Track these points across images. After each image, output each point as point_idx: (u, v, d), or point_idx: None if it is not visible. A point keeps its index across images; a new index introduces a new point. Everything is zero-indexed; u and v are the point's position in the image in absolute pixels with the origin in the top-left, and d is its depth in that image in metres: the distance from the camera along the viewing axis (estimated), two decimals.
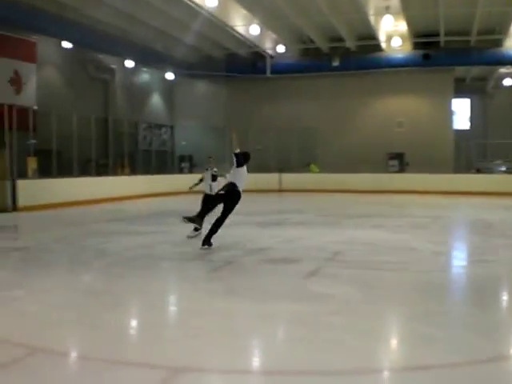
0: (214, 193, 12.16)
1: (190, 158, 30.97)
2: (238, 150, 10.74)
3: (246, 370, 4.94)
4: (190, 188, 13.95)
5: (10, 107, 19.79)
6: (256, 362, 5.23)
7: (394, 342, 5.79)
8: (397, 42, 27.59)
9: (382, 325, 6.17)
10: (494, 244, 11.61)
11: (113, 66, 27.93)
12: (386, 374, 4.81)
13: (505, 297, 7.69)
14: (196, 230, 11.17)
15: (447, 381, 4.50)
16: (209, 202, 11.43)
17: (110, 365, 4.87)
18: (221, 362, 4.93)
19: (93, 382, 4.47)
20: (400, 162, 29.28)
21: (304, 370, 4.71)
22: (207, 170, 13.58)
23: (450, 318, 6.31)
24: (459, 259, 10.89)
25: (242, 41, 27.55)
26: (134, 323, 6.49)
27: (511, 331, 6.00)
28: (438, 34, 26.96)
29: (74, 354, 5.25)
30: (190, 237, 11.05)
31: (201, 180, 13.73)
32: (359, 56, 29.60)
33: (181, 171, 30.31)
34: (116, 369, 4.79)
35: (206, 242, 10.33)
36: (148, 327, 6.04)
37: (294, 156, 29.19)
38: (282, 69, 30.72)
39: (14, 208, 18.81)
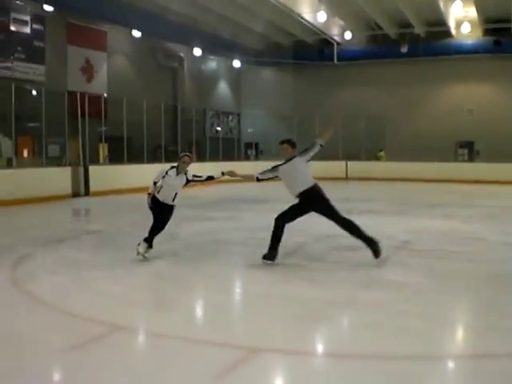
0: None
1: (256, 146, 31.20)
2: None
3: (315, 352, 5.08)
4: None
5: (83, 95, 20.34)
6: (325, 345, 5.35)
7: (464, 331, 5.79)
8: (466, 28, 27.07)
9: (453, 313, 6.20)
10: None
11: (181, 54, 28.32)
12: (453, 360, 4.85)
13: None
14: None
15: None
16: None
17: (185, 343, 5.07)
18: (292, 344, 5.06)
19: (170, 359, 4.67)
20: (469, 150, 28.75)
21: (372, 355, 4.80)
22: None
23: None
24: None
25: (309, 28, 27.51)
26: (205, 305, 6.69)
27: None
28: (509, 20, 26.31)
29: (152, 332, 5.46)
30: None
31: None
32: (428, 42, 29.14)
33: (247, 158, 30.56)
34: (190, 347, 4.99)
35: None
36: (220, 309, 6.21)
37: (361, 144, 28.98)
38: (349, 56, 30.52)
39: (87, 193, 19.40)
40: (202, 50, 27.72)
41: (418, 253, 8.89)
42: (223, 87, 32.78)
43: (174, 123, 26.32)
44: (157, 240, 8.53)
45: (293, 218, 8.21)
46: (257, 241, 10.08)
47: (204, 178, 9.12)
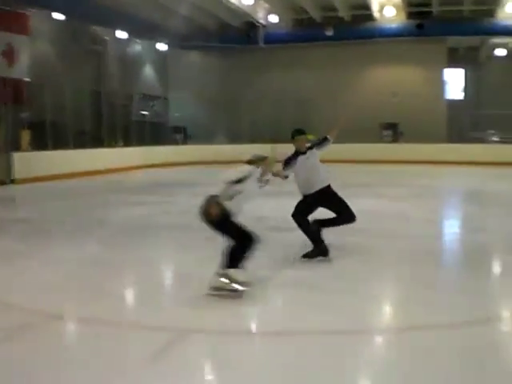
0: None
1: (184, 130, 30.98)
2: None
3: (247, 331, 5.17)
4: None
5: (3, 80, 19.72)
6: (257, 323, 5.44)
7: (391, 304, 6.00)
8: (390, 12, 27.56)
9: (377, 288, 6.36)
10: (487, 213, 11.81)
11: (106, 38, 27.76)
12: (380, 333, 5.06)
13: (497, 263, 7.89)
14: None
15: (440, 341, 4.70)
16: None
17: (118, 328, 5.08)
18: (224, 324, 5.13)
19: (103, 344, 4.67)
20: (394, 132, 29.40)
21: (304, 330, 4.92)
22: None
23: (445, 282, 6.51)
24: (454, 227, 11.10)
25: (235, 11, 27.42)
26: (137, 290, 6.66)
27: (502, 295, 6.20)
28: (431, 4, 26.95)
29: (85, 319, 5.38)
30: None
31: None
32: (352, 26, 29.50)
33: (175, 142, 30.32)
34: (123, 332, 5.01)
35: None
36: (152, 293, 6.20)
37: (288, 126, 29.09)
38: (276, 39, 30.60)
39: (12, 181, 18.88)
40: (128, 34, 27.27)
41: (346, 231, 9.05)
42: (149, 71, 32.35)
43: (99, 108, 25.84)
44: (86, 225, 8.42)
45: (310, 212, 7.61)
46: (184, 225, 10.10)
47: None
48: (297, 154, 7.72)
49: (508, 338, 4.95)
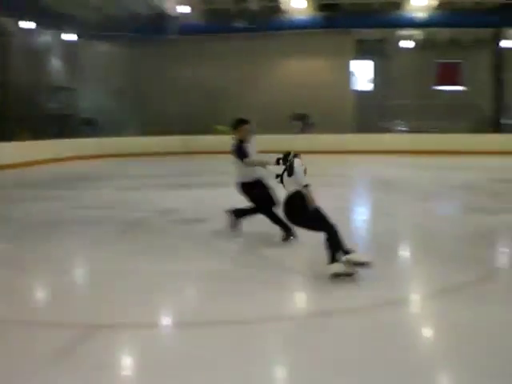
0: None
1: (94, 122, 30.38)
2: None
3: (159, 323, 5.13)
4: None
5: None
6: (170, 315, 5.43)
7: (304, 292, 6.09)
8: (299, 4, 27.86)
9: (294, 277, 6.45)
10: (393, 199, 12.18)
11: (11, 29, 26.83)
12: (292, 319, 5.12)
13: (401, 248, 8.15)
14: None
15: (348, 324, 4.86)
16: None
17: (25, 327, 4.95)
18: (134, 317, 5.08)
19: (10, 344, 4.54)
20: (303, 122, 29.81)
21: (218, 321, 4.95)
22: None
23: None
24: (361, 214, 11.40)
25: (146, 1, 27.06)
26: (44, 287, 6.50)
27: (402, 279, 6.42)
28: None
29: None
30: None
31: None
32: (263, 18, 29.67)
33: (85, 135, 29.68)
34: (31, 330, 4.87)
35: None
36: (59, 289, 6.08)
37: (201, 118, 29.08)
38: (188, 30, 30.35)
39: None
40: (35, 24, 26.48)
41: (253, 221, 9.11)
42: (58, 62, 31.47)
43: (4, 100, 24.96)
44: None
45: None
46: (91, 219, 9.95)
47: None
48: (241, 142, 7.87)
49: (413, 319, 5.14)
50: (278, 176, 6.97)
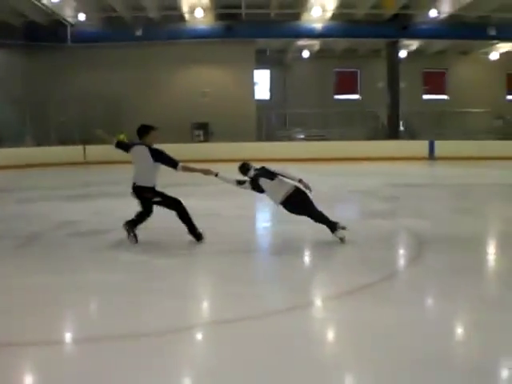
0: None
1: None
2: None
3: (62, 340, 4.95)
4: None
5: None
6: (73, 331, 5.24)
7: (204, 301, 6.04)
8: (199, 13, 27.87)
9: (193, 287, 6.40)
10: None
11: None
12: (197, 330, 5.06)
13: (304, 253, 8.24)
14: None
15: (254, 330, 4.84)
16: None
17: None
18: (34, 335, 4.87)
19: None
20: (205, 131, 29.87)
21: (121, 334, 4.80)
22: None
23: (256, 276, 6.69)
24: (263, 221, 11.47)
25: (40, 8, 26.31)
26: None
27: (310, 284, 6.49)
28: (239, 7, 27.64)
29: None
30: None
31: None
32: (162, 26, 29.53)
33: None
34: None
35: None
36: None
37: (99, 127, 28.46)
38: (84, 38, 29.82)
39: None
40: None
41: (153, 231, 8.96)
42: None
43: None
44: None
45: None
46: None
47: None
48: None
49: (316, 323, 5.18)
50: (240, 182, 8.47)
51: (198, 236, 8.17)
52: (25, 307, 5.60)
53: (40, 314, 5.35)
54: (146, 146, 8.12)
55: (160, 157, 8.11)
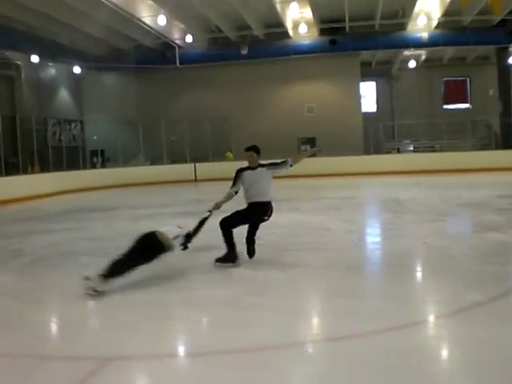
0: None
1: (102, 153, 30.57)
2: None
3: (174, 354, 5.06)
4: None
5: None
6: (182, 345, 5.35)
7: (315, 317, 6.02)
8: (303, 29, 28.03)
9: (304, 302, 6.39)
10: (404, 220, 12.11)
11: (18, 62, 27.16)
12: (309, 345, 5.03)
13: (415, 269, 8.06)
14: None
15: (367, 347, 4.75)
16: None
17: (38, 361, 4.87)
18: (149, 348, 4.99)
19: (22, 380, 4.47)
20: (312, 146, 29.91)
21: (233, 349, 4.86)
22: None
23: (367, 291, 6.61)
24: (373, 236, 11.31)
25: (149, 32, 27.35)
26: (55, 319, 6.46)
27: (422, 300, 6.35)
28: (343, 20, 27.60)
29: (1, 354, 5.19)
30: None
31: None
32: (267, 44, 29.94)
33: (93, 166, 29.86)
34: (44, 364, 4.80)
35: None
36: (71, 321, 6.02)
37: (208, 145, 29.23)
38: (192, 59, 30.71)
39: None
40: (41, 57, 26.73)
41: (266, 247, 9.06)
42: (64, 94, 31.83)
43: (14, 134, 25.13)
44: (0, 256, 8.12)
45: (235, 225, 8.10)
46: (104, 250, 9.90)
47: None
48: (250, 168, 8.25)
49: (430, 341, 5.05)
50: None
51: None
52: (138, 322, 5.75)
53: (153, 329, 5.50)
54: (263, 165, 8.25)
55: (273, 166, 8.31)
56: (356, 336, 5.02)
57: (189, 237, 7.70)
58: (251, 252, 8.17)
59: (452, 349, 4.85)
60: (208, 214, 8.12)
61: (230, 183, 8.29)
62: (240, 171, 8.21)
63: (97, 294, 6.52)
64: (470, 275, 7.06)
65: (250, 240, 8.20)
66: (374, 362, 4.44)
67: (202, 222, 8.01)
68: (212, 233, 8.36)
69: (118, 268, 6.80)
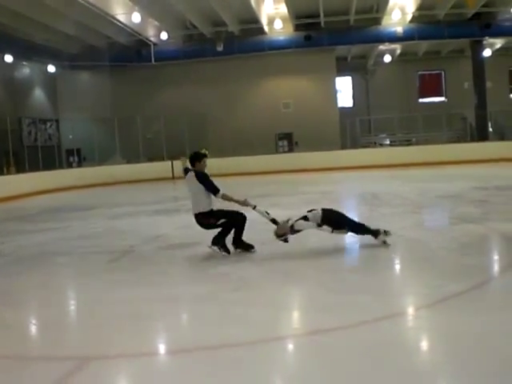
0: None
1: (78, 152, 30.37)
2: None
3: (154, 351, 5.04)
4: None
5: None
6: (164, 343, 5.34)
7: (294, 311, 6.04)
8: (278, 25, 28.03)
9: (282, 296, 6.40)
10: (381, 213, 12.17)
11: None
12: (288, 340, 5.05)
13: (393, 261, 8.11)
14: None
15: (348, 340, 4.79)
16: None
17: (17, 361, 4.84)
18: (127, 347, 4.98)
19: (1, 381, 4.43)
20: (289, 142, 30.01)
21: (213, 345, 4.86)
22: None
23: (346, 284, 6.63)
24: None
25: (124, 29, 27.17)
26: (36, 319, 6.41)
27: (401, 292, 6.40)
28: (318, 15, 27.64)
29: None
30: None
31: None
32: (242, 40, 29.90)
33: (70, 166, 29.65)
34: (22, 365, 4.77)
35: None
36: (51, 321, 5.98)
37: (185, 142, 29.13)
38: (167, 56, 30.59)
39: None
40: (14, 57, 26.46)
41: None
42: (39, 94, 31.53)
43: None
44: None
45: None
46: (84, 249, 9.87)
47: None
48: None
49: (411, 332, 5.09)
50: (275, 221, 8.34)
51: (247, 246, 8.35)
52: (116, 320, 5.74)
53: (131, 327, 5.48)
54: (194, 171, 8.42)
55: (204, 180, 8.31)
56: (336, 329, 5.04)
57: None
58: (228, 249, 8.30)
59: (433, 339, 4.89)
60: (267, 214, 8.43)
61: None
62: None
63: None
64: (448, 266, 7.13)
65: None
66: (355, 355, 4.47)
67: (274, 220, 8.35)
68: (185, 231, 8.36)
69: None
